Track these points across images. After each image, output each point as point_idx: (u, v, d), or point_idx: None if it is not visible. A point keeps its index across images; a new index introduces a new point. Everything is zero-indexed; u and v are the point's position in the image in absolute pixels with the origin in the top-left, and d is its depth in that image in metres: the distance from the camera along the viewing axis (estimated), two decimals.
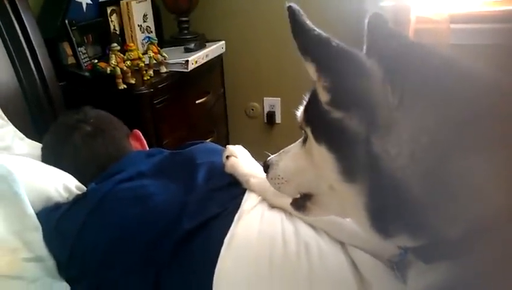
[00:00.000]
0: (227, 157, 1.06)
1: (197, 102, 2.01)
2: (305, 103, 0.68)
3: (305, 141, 0.69)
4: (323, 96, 0.57)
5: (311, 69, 0.57)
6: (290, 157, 0.73)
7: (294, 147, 0.74)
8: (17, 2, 1.48)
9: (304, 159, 0.68)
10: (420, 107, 0.53)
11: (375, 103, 0.53)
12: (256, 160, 1.11)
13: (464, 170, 0.51)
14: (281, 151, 0.77)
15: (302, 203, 0.74)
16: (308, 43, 0.56)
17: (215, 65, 2.18)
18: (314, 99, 0.62)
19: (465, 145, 0.52)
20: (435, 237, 0.54)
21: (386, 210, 0.56)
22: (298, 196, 0.75)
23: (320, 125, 0.61)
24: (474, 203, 0.51)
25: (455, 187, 0.51)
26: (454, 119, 0.52)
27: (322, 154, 0.60)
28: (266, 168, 0.77)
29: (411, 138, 0.52)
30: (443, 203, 0.52)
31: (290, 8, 0.57)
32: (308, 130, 0.65)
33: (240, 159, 1.04)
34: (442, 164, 0.52)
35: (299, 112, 0.69)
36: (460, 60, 0.58)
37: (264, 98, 2.37)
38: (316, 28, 0.56)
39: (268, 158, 0.79)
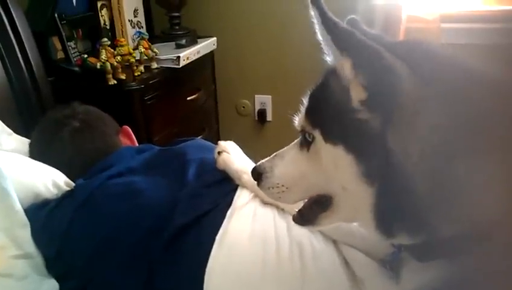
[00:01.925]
0: (219, 153, 1.05)
1: (188, 99, 1.99)
2: (306, 105, 0.66)
3: (305, 144, 0.66)
4: (359, 94, 0.56)
5: (346, 65, 0.56)
6: (289, 162, 0.70)
7: (291, 151, 0.70)
8: None
9: (307, 164, 0.66)
10: (436, 106, 0.53)
11: (401, 101, 0.53)
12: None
13: (469, 172, 0.51)
14: (272, 156, 0.73)
15: (310, 215, 0.70)
16: (344, 39, 0.55)
17: (206, 62, 2.17)
18: (327, 100, 0.61)
19: (473, 147, 0.52)
20: (432, 236, 0.54)
21: (393, 210, 0.56)
22: (300, 202, 0.72)
23: (337, 126, 0.59)
24: (475, 205, 0.52)
25: (459, 188, 0.52)
26: (465, 121, 0.52)
27: (337, 156, 0.59)
28: (258, 176, 0.73)
29: (426, 136, 0.52)
30: (446, 202, 0.52)
31: (316, 2, 0.57)
32: (317, 133, 0.62)
33: (232, 155, 1.03)
34: (450, 164, 0.52)
35: (299, 116, 0.67)
36: (466, 58, 0.59)
37: (255, 96, 2.36)
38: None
39: (258, 164, 0.74)
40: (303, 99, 0.68)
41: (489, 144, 0.52)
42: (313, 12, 0.59)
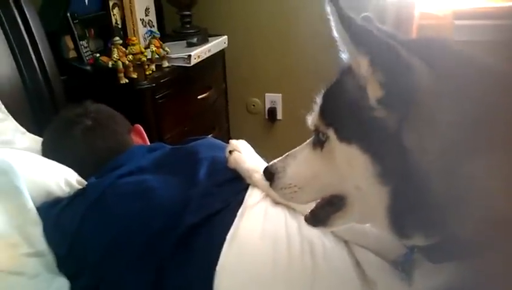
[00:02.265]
0: (230, 152, 1.05)
1: (198, 97, 2.00)
2: (319, 104, 0.65)
3: (318, 143, 0.66)
4: (376, 92, 0.55)
5: (363, 62, 0.55)
6: (302, 162, 0.69)
7: (303, 151, 0.70)
8: None
9: (320, 163, 0.65)
10: (453, 102, 0.52)
11: (418, 98, 0.52)
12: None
13: (486, 170, 0.50)
14: (285, 156, 0.72)
15: (321, 217, 0.69)
16: (361, 36, 0.54)
17: (217, 60, 2.17)
18: (341, 99, 0.60)
19: (491, 144, 0.51)
20: (446, 236, 0.54)
21: (408, 210, 0.55)
22: (312, 203, 0.71)
23: (352, 124, 0.58)
24: (489, 204, 0.50)
25: (475, 186, 0.51)
26: (483, 117, 0.51)
27: (352, 156, 0.58)
28: (270, 176, 0.72)
29: (442, 133, 0.51)
30: (461, 202, 0.51)
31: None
32: (331, 132, 0.62)
33: (243, 154, 1.03)
34: (466, 161, 0.51)
35: (312, 115, 0.66)
36: (482, 55, 0.57)
37: (266, 94, 2.35)
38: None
39: (270, 164, 0.73)
40: (316, 97, 0.67)
41: (508, 140, 0.51)
42: (328, 9, 0.58)
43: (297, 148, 0.71)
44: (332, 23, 0.59)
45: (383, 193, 0.56)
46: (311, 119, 0.67)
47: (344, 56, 0.63)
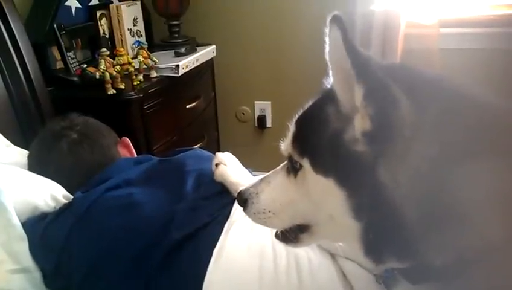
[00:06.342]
0: (217, 165, 1.05)
1: (187, 107, 1.99)
2: (293, 131, 0.63)
3: (292, 170, 0.64)
4: (364, 125, 0.52)
5: (358, 93, 0.52)
6: (276, 188, 0.67)
7: (277, 176, 0.68)
8: (3, 6, 1.45)
9: (294, 191, 0.63)
10: (428, 137, 0.51)
11: (400, 134, 0.51)
12: (246, 165, 1.10)
13: (460, 201, 0.50)
14: (259, 180, 0.71)
15: (291, 235, 0.68)
16: (362, 66, 0.51)
17: (205, 69, 2.17)
18: (319, 127, 0.58)
19: (464, 176, 0.50)
20: (422, 261, 0.53)
21: (381, 240, 0.54)
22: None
23: (330, 156, 0.56)
24: (466, 234, 0.50)
25: (449, 217, 0.50)
26: (456, 151, 0.51)
27: (327, 189, 0.56)
28: (243, 202, 0.70)
29: (417, 167, 0.51)
30: (436, 232, 0.51)
31: (338, 19, 0.51)
32: (305, 162, 0.59)
33: (229, 167, 1.03)
34: (439, 194, 0.50)
35: (285, 142, 0.64)
36: (466, 87, 0.57)
37: (255, 102, 2.37)
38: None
39: (241, 189, 0.71)
40: (290, 124, 0.64)
41: (481, 172, 0.50)
42: (328, 31, 0.53)
43: (271, 173, 0.70)
44: (327, 46, 0.55)
45: (357, 225, 0.55)
46: (284, 146, 0.64)
47: (328, 81, 0.60)
